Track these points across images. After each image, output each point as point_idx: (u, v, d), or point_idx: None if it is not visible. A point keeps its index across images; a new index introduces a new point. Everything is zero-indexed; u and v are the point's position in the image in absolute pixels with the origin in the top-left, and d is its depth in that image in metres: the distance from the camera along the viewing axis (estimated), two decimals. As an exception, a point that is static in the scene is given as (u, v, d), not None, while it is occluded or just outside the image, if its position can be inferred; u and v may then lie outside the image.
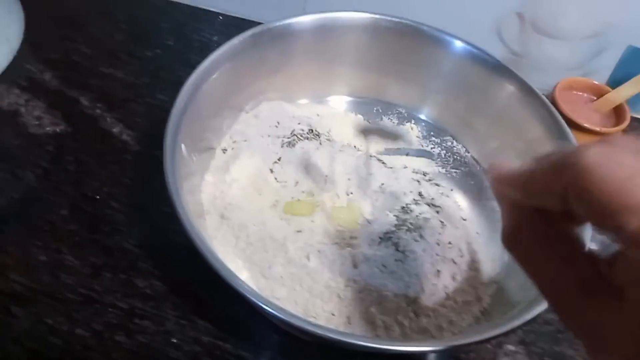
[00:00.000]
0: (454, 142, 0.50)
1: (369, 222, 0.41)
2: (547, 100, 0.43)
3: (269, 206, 0.41)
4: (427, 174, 0.47)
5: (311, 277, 0.36)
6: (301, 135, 0.44)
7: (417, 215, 0.40)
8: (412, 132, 0.50)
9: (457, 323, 0.37)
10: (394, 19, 0.46)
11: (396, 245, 0.38)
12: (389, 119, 0.51)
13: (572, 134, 0.42)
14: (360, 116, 0.50)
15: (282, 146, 0.43)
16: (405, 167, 0.47)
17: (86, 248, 0.40)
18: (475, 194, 0.47)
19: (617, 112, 0.49)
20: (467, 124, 0.49)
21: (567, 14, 0.51)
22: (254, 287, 0.36)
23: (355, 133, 0.48)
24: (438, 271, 0.38)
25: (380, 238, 0.38)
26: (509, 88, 0.45)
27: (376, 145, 0.48)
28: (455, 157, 0.49)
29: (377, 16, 0.46)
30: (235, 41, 0.43)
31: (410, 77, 0.50)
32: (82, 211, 0.42)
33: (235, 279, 0.30)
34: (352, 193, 0.43)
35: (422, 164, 0.48)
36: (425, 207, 0.41)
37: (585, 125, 0.46)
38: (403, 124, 0.51)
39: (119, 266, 0.39)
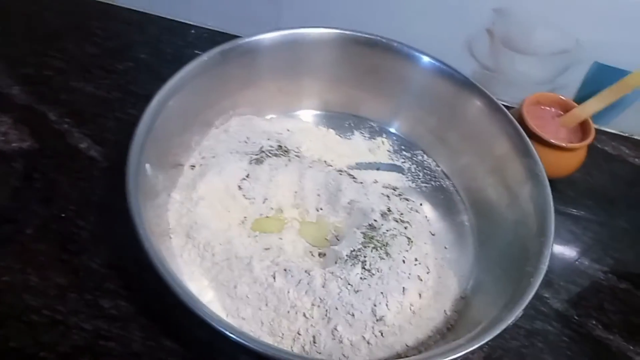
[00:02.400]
0: (425, 156, 0.51)
1: (337, 239, 0.42)
2: (512, 118, 0.43)
3: (237, 223, 0.41)
4: (397, 188, 0.47)
5: (277, 297, 0.36)
6: (270, 152, 0.44)
7: (384, 232, 0.40)
8: (384, 146, 0.50)
9: (424, 340, 0.37)
10: (362, 34, 0.46)
11: (363, 264, 0.38)
12: (360, 133, 0.51)
13: (537, 150, 0.43)
14: (332, 130, 0.51)
15: (250, 163, 0.43)
16: (376, 182, 0.47)
17: (52, 268, 0.39)
18: (445, 208, 0.47)
19: (583, 127, 0.50)
20: (438, 138, 0.50)
21: (536, 30, 0.52)
22: (220, 307, 0.36)
23: (326, 148, 0.48)
24: (404, 289, 0.38)
25: (347, 256, 0.38)
26: (477, 104, 0.45)
27: (347, 160, 0.48)
28: (425, 171, 0.50)
29: (345, 32, 0.46)
30: (204, 57, 0.43)
31: (381, 92, 0.50)
32: (49, 230, 0.41)
33: (193, 300, 0.30)
34: (321, 209, 0.44)
35: (392, 178, 0.48)
36: (393, 223, 0.42)
37: (552, 140, 0.46)
38: (374, 138, 0.51)
39: (85, 286, 0.39)
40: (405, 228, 0.42)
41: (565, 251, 0.48)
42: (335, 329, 0.36)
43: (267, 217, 0.42)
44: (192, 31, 0.59)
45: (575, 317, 0.43)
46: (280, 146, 0.45)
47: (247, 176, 0.42)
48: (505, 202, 0.43)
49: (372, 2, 0.53)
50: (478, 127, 0.46)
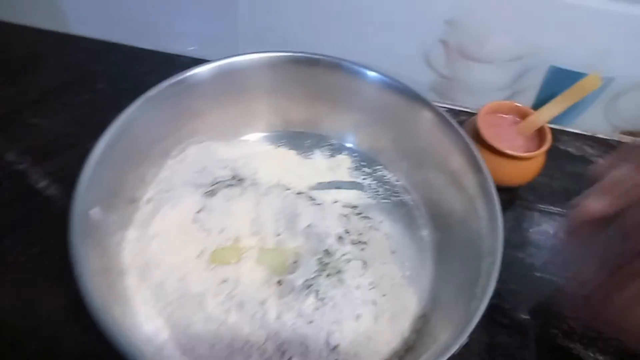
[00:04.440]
0: (385, 171, 0.51)
1: (294, 267, 0.42)
2: (462, 132, 0.43)
3: (194, 257, 0.41)
4: (357, 207, 0.47)
5: (231, 333, 0.37)
6: (223, 183, 0.44)
7: (338, 258, 0.41)
8: (344, 163, 0.50)
9: (380, 365, 0.38)
10: (300, 54, 0.46)
11: (316, 293, 0.38)
12: (321, 151, 0.51)
13: (493, 161, 0.44)
14: (292, 151, 0.51)
15: (203, 195, 0.43)
16: (336, 202, 0.47)
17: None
18: (406, 223, 0.47)
19: (541, 134, 0.49)
20: (397, 153, 0.50)
21: (489, 39, 0.52)
22: (175, 347, 0.37)
23: (286, 170, 0.48)
24: (358, 315, 0.38)
25: (301, 286, 0.39)
26: (428, 118, 0.45)
27: (308, 181, 0.48)
28: (386, 186, 0.50)
29: (283, 54, 0.46)
30: (152, 93, 0.42)
31: (337, 109, 0.50)
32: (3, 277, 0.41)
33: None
34: (280, 235, 0.44)
35: (352, 196, 0.48)
36: (349, 247, 0.42)
37: (507, 151, 0.46)
38: (335, 156, 0.51)
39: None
40: (362, 250, 0.42)
41: (527, 259, 0.48)
42: (291, 361, 0.36)
43: (224, 248, 0.42)
44: (153, 56, 0.59)
45: (537, 327, 0.43)
46: (234, 176, 0.45)
47: (202, 209, 0.42)
48: (460, 217, 0.43)
49: (329, 22, 0.53)
50: (432, 141, 0.46)
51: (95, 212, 0.36)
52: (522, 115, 0.50)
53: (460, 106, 0.59)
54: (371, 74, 0.46)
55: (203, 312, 0.37)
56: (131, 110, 0.40)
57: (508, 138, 0.49)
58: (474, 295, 0.36)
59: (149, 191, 0.44)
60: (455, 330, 0.34)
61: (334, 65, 0.46)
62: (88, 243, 0.35)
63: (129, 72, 0.57)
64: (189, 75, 0.43)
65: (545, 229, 0.51)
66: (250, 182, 0.45)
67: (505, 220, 0.49)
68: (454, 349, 0.33)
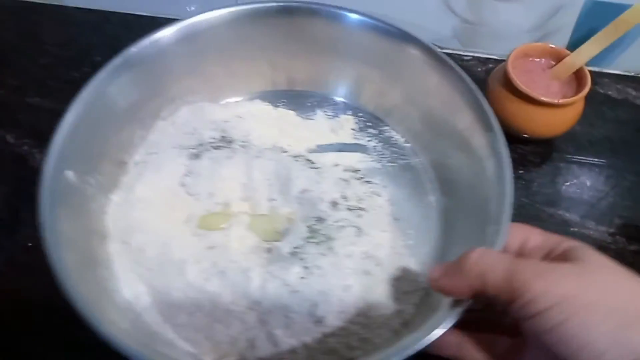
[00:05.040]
0: (393, 132, 0.46)
1: (285, 234, 0.39)
2: (473, 86, 0.38)
3: (182, 222, 0.39)
4: (359, 170, 0.44)
5: (211, 302, 0.35)
6: (210, 145, 0.41)
7: (330, 225, 0.38)
8: (348, 124, 0.47)
9: (372, 340, 0.35)
10: (299, 4, 0.43)
11: (303, 261, 0.35)
12: (323, 111, 0.48)
13: (527, 110, 0.42)
14: (292, 112, 0.47)
15: (189, 158, 0.41)
16: (337, 165, 0.44)
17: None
18: (412, 188, 0.43)
19: (579, 76, 0.44)
20: (405, 111, 0.45)
21: None
22: (157, 314, 0.35)
23: (283, 132, 0.45)
24: (348, 286, 0.35)
25: (288, 254, 0.36)
26: (436, 71, 0.41)
27: (307, 143, 0.45)
28: (392, 149, 0.45)
29: (292, 3, 0.42)
30: (134, 49, 0.40)
31: (339, 64, 0.46)
32: (16, 263, 0.41)
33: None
34: (274, 199, 0.41)
35: (355, 159, 0.45)
36: (344, 213, 0.39)
37: (541, 98, 0.42)
38: (338, 116, 0.47)
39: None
40: (360, 217, 0.39)
41: (565, 215, 0.44)
42: (273, 333, 0.34)
43: (213, 213, 0.40)
44: (150, 20, 0.56)
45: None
46: (223, 137, 0.42)
47: (188, 172, 0.40)
48: (469, 180, 0.39)
49: None
50: (440, 97, 0.41)
51: (70, 175, 0.35)
52: (557, 57, 0.45)
53: (488, 53, 0.53)
54: (368, 21, 0.42)
55: (183, 279, 0.35)
56: (105, 72, 0.38)
57: (542, 84, 0.44)
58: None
59: (137, 153, 0.42)
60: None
61: (330, 15, 0.42)
62: (63, 205, 0.33)
63: (127, 41, 0.54)
64: (160, 37, 0.41)
65: (584, 181, 0.47)
66: (241, 144, 0.42)
67: (541, 175, 0.46)
68: (450, 322, 0.29)
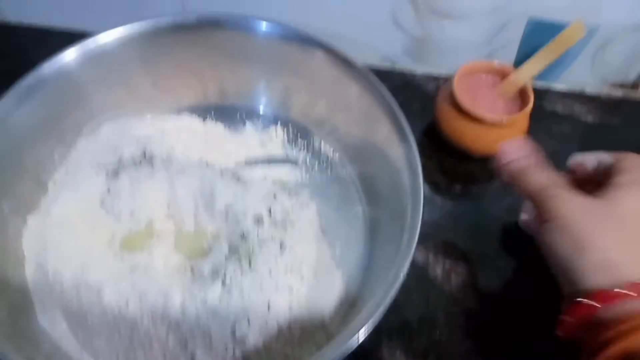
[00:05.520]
0: (323, 143, 0.46)
1: (208, 252, 0.39)
2: (390, 100, 0.39)
3: (104, 243, 0.39)
4: (288, 183, 0.44)
5: (131, 325, 0.34)
6: (129, 162, 0.41)
7: (253, 240, 0.37)
8: (277, 136, 0.46)
9: (295, 356, 0.35)
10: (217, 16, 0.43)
11: (223, 280, 0.35)
12: (253, 124, 0.47)
13: (473, 128, 0.42)
14: (220, 125, 0.47)
15: (107, 176, 0.40)
16: (265, 179, 0.44)
17: None
18: (341, 199, 0.43)
19: (523, 94, 0.45)
20: (332, 123, 0.46)
21: None
22: (73, 339, 0.35)
23: (210, 146, 0.45)
24: (269, 303, 0.35)
25: (209, 273, 0.36)
26: (357, 84, 0.41)
27: (235, 157, 0.45)
28: (322, 160, 0.46)
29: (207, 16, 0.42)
30: (60, 58, 0.39)
31: (267, 77, 0.46)
32: None
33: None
34: (200, 216, 0.41)
35: (284, 172, 0.45)
36: (269, 229, 0.38)
37: (485, 117, 0.42)
38: (268, 129, 0.47)
39: None
40: (285, 231, 0.39)
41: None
42: (194, 355, 0.34)
43: (136, 232, 0.39)
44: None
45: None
46: (144, 153, 0.41)
47: (108, 191, 0.39)
48: (390, 191, 0.39)
49: None
50: (361, 108, 0.41)
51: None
52: (502, 74, 0.45)
53: (439, 69, 0.54)
54: (284, 31, 0.42)
55: (99, 303, 0.34)
56: (14, 94, 0.37)
57: (487, 102, 0.45)
58: (397, 276, 0.32)
59: (57, 172, 0.41)
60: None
61: (243, 25, 0.42)
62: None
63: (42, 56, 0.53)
64: (75, 53, 0.40)
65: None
66: (163, 161, 0.41)
67: (492, 191, 0.45)
68: (361, 331, 0.29)
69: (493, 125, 0.43)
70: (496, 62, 0.46)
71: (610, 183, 0.31)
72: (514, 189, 0.34)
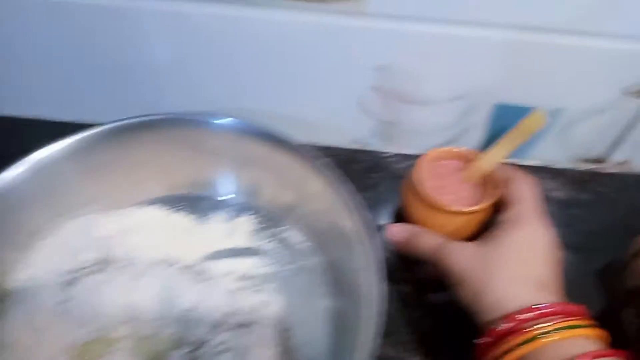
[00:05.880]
0: (291, 232, 0.46)
1: (168, 358, 0.37)
2: (353, 194, 0.38)
3: (62, 353, 0.37)
4: (253, 278, 0.43)
5: None
6: (88, 269, 0.40)
7: (210, 350, 0.36)
8: (244, 226, 0.46)
9: None
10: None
11: (176, 398, 0.33)
12: (220, 214, 0.47)
13: (437, 217, 0.41)
14: (187, 216, 0.46)
15: (64, 285, 0.39)
16: (229, 274, 0.42)
17: None
18: (307, 292, 0.42)
19: (489, 179, 0.42)
20: (300, 212, 0.45)
21: (425, 81, 0.47)
22: None
23: (174, 241, 0.44)
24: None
25: (162, 388, 0.34)
26: (321, 179, 0.41)
27: (200, 251, 0.44)
28: (291, 249, 0.45)
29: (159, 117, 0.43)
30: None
31: (230, 166, 0.46)
32: None
33: None
34: (159, 320, 0.39)
35: (249, 265, 0.44)
36: (226, 335, 0.37)
37: (450, 208, 0.40)
38: (234, 219, 0.46)
39: None
40: (244, 335, 0.38)
41: None
42: None
43: (94, 340, 0.38)
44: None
45: None
46: (103, 259, 0.41)
47: (65, 300, 0.38)
48: (357, 284, 0.38)
49: (253, 79, 0.49)
50: (327, 202, 0.41)
51: None
52: (467, 160, 0.44)
53: (409, 149, 0.54)
54: (249, 128, 0.42)
55: None
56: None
57: (452, 189, 0.42)
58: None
59: (11, 282, 0.40)
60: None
61: (204, 122, 0.43)
62: None
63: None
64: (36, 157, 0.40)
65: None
66: (123, 264, 0.40)
67: None
68: None
69: (457, 214, 0.41)
70: (458, 149, 0.44)
71: (496, 222, 0.38)
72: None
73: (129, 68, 0.49)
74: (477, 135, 0.52)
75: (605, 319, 0.41)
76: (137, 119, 0.42)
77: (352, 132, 0.53)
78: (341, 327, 0.40)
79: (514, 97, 0.47)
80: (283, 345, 0.38)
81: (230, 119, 0.43)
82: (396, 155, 0.54)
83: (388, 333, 0.41)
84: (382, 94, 0.49)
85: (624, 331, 0.38)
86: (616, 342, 0.33)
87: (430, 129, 0.52)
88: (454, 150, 0.44)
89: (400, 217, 0.46)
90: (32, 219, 0.41)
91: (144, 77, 0.49)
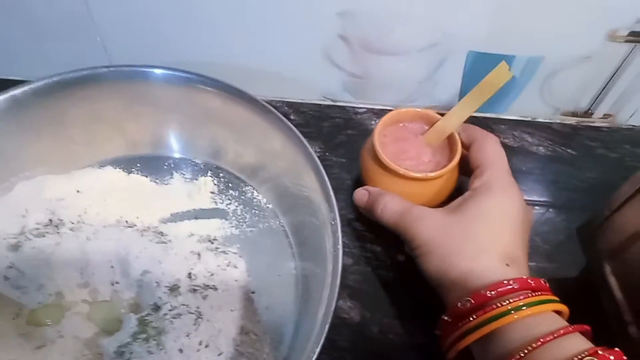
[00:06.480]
0: (254, 192, 0.44)
1: (119, 327, 0.35)
2: (310, 150, 0.36)
3: (9, 320, 0.36)
4: (216, 240, 0.41)
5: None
6: (32, 232, 0.37)
7: (165, 314, 0.34)
8: (206, 187, 0.44)
9: None
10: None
11: (127, 362, 0.32)
12: (181, 174, 0.44)
13: (398, 183, 0.38)
14: (145, 178, 0.44)
15: (7, 250, 0.37)
16: (191, 236, 0.41)
17: None
18: (272, 255, 0.41)
19: (451, 142, 0.40)
20: (263, 172, 0.43)
21: (394, 29, 0.44)
22: None
23: (132, 202, 0.42)
24: (178, 386, 0.32)
25: (113, 353, 0.33)
26: (281, 135, 0.38)
27: (160, 213, 0.42)
28: (254, 211, 0.43)
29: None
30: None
31: (189, 124, 0.43)
32: None
33: None
34: (117, 283, 0.37)
35: (212, 227, 0.42)
36: (184, 298, 0.35)
37: (410, 174, 0.38)
38: (196, 179, 0.44)
39: None
40: (205, 298, 0.36)
41: None
42: None
43: (44, 305, 0.36)
44: None
45: None
46: (51, 220, 0.38)
47: (12, 264, 0.36)
48: (318, 246, 0.36)
49: (217, 32, 0.46)
50: (288, 161, 0.39)
51: None
52: (429, 121, 0.41)
53: (381, 104, 0.51)
54: (204, 80, 0.40)
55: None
56: None
57: (414, 153, 0.40)
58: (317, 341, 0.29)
59: (-40, 245, 0.38)
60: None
61: (154, 76, 0.40)
62: None
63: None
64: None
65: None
66: (72, 227, 0.38)
67: None
68: None
69: (417, 180, 0.38)
70: (423, 110, 0.41)
71: (464, 188, 0.37)
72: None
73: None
74: (453, 89, 0.49)
75: (586, 276, 0.39)
76: (84, 72, 0.39)
77: (321, 86, 0.50)
78: (305, 288, 0.38)
79: (491, 45, 0.44)
80: (246, 307, 0.37)
81: (184, 72, 0.40)
82: (368, 110, 0.51)
83: (356, 293, 0.40)
84: (349, 43, 0.45)
85: (604, 289, 0.36)
86: (594, 301, 0.32)
87: (403, 81, 0.49)
88: (415, 110, 0.41)
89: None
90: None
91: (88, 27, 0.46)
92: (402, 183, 0.38)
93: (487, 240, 0.33)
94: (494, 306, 0.29)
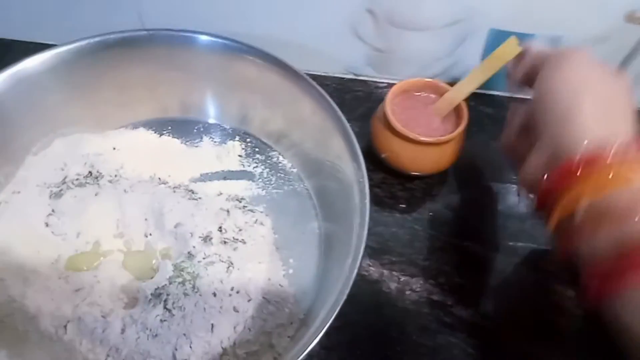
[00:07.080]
0: (280, 157, 0.46)
1: (157, 271, 0.38)
2: (340, 115, 0.38)
3: (49, 264, 0.38)
4: (244, 199, 0.43)
5: (67, 350, 0.33)
6: (74, 182, 0.40)
7: (199, 261, 0.36)
8: (234, 150, 0.46)
9: (239, 378, 0.34)
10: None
11: (165, 303, 0.34)
12: (210, 138, 0.46)
13: (407, 148, 0.41)
14: (176, 140, 0.46)
15: (50, 197, 0.39)
16: (220, 194, 0.43)
17: None
18: (296, 215, 0.43)
19: (458, 111, 0.43)
20: (290, 138, 0.45)
21: (420, 3, 0.45)
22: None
23: (163, 162, 0.44)
24: (212, 325, 0.34)
25: (151, 295, 0.35)
26: (308, 96, 0.40)
27: (190, 172, 0.44)
28: (279, 174, 0.45)
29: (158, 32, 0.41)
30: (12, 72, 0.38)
31: (221, 90, 0.45)
32: None
33: None
34: (151, 234, 0.40)
35: (240, 187, 0.44)
36: (216, 248, 0.37)
37: (420, 138, 0.41)
38: (225, 143, 0.46)
39: None
40: (235, 250, 0.38)
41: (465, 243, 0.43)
42: (133, 380, 0.32)
43: (82, 253, 0.38)
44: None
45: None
46: (90, 172, 0.40)
47: (52, 212, 0.38)
48: (343, 207, 0.38)
49: (246, 2, 0.47)
50: (316, 126, 0.41)
51: None
52: (438, 92, 0.44)
53: (403, 79, 0.53)
54: (238, 47, 0.42)
55: (35, 329, 0.33)
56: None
57: (423, 121, 0.43)
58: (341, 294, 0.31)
59: (3, 192, 0.40)
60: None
61: (191, 41, 0.42)
62: None
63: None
64: (25, 67, 0.39)
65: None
66: (110, 179, 0.40)
67: (437, 208, 0.44)
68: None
69: (428, 144, 0.41)
70: (432, 80, 0.44)
71: None
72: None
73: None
74: (470, 67, 0.51)
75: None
76: (120, 34, 0.41)
77: (345, 59, 0.52)
78: (329, 246, 0.40)
79: (512, 23, 0.46)
80: (273, 261, 0.39)
81: (218, 38, 0.42)
82: (389, 85, 0.53)
83: (376, 252, 0.42)
84: (376, 17, 0.47)
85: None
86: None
87: (425, 58, 0.51)
88: (424, 80, 0.44)
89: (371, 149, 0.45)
90: (22, 134, 0.41)
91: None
92: (412, 147, 0.41)
93: (604, 100, 0.32)
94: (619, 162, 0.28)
